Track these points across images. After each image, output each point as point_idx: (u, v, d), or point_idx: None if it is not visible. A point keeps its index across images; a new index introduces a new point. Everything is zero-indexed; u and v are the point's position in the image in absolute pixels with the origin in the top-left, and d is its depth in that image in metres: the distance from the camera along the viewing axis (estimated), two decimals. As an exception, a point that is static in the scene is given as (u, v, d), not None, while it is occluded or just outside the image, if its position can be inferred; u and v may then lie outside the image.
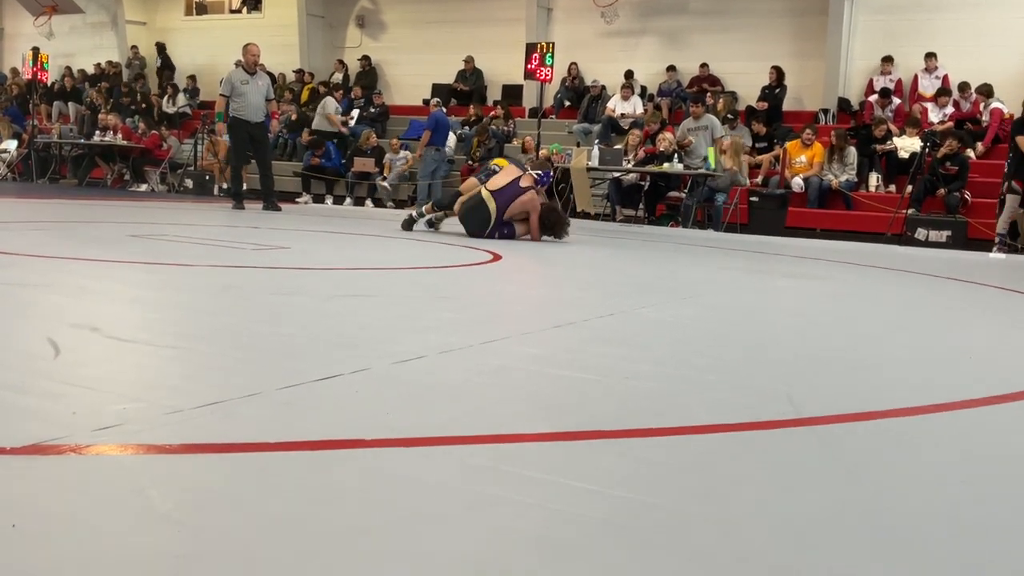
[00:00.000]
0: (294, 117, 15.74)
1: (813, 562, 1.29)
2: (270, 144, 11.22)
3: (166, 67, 19.15)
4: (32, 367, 2.18)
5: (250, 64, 10.48)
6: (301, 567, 1.17)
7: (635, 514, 1.43)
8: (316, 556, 1.20)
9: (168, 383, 2.13)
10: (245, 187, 11.23)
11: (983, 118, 12.08)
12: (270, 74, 12.79)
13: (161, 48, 19.40)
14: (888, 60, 13.10)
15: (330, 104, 14.86)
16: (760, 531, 1.39)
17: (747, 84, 14.14)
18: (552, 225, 7.59)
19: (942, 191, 10.67)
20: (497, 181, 7.45)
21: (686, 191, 11.43)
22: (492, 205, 7.28)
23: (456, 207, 7.68)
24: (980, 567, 1.31)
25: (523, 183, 7.39)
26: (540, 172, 7.74)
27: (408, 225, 8.13)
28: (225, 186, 13.88)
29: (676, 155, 11.24)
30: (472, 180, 8.02)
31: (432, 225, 8.11)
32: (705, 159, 11.19)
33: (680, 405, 2.19)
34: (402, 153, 14.06)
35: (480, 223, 7.38)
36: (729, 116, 12.69)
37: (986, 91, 11.97)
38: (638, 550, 1.30)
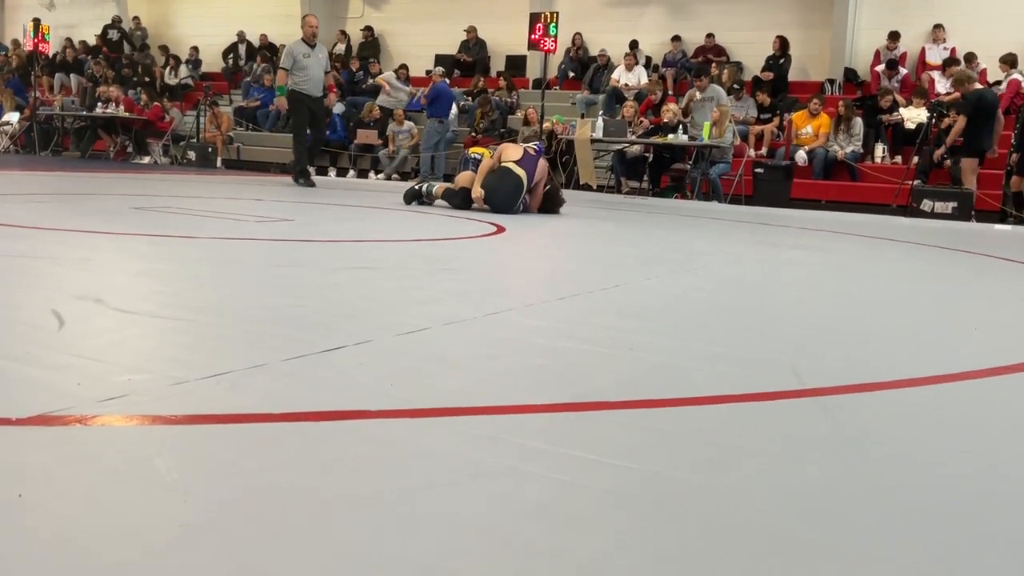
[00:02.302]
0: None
1: (815, 532, 1.29)
2: (325, 120, 10.84)
3: (125, 40, 18.81)
4: (37, 339, 2.18)
5: (309, 36, 10.07)
6: (306, 536, 1.17)
7: (638, 484, 1.43)
8: (320, 525, 1.21)
9: (173, 354, 2.13)
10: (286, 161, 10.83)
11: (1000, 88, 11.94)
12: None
13: (115, 23, 18.98)
14: (895, 36, 12.98)
15: (388, 76, 15.14)
16: (763, 501, 1.40)
17: (752, 54, 14.02)
18: (552, 198, 7.57)
19: (948, 162, 10.60)
20: (510, 155, 7.29)
21: (691, 163, 11.37)
22: (520, 171, 7.16)
23: (471, 184, 7.39)
24: (983, 538, 1.32)
25: (530, 152, 7.36)
26: (536, 144, 7.67)
27: (413, 196, 7.91)
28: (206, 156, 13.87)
29: (681, 126, 11.17)
30: (467, 173, 7.68)
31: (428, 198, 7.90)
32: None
33: (684, 376, 2.20)
34: (406, 125, 13.99)
35: (511, 190, 7.13)
36: (735, 86, 12.59)
37: (1010, 61, 11.77)
38: (641, 520, 1.31)
